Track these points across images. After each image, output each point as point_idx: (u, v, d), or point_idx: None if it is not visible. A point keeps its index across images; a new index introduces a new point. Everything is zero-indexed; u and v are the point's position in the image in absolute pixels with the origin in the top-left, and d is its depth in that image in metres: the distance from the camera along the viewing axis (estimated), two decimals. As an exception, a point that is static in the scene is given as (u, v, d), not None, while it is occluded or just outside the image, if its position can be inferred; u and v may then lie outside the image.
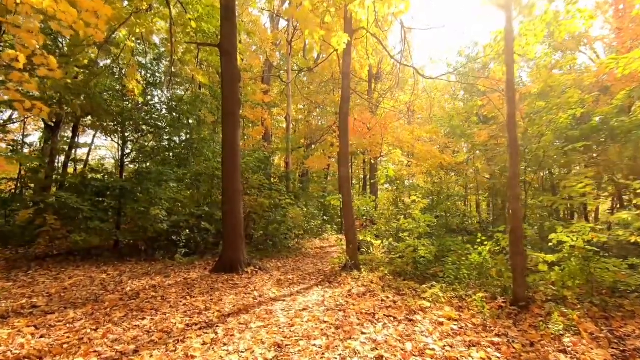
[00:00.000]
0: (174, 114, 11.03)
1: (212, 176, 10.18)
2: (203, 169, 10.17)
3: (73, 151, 12.27)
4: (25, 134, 13.71)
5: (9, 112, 10.66)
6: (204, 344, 3.30)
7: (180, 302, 4.73)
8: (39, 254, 7.32)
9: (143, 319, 4.00)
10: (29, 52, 3.32)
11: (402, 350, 3.19)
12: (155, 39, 10.89)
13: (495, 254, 5.77)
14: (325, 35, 5.94)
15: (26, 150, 11.55)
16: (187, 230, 8.55)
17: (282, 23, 17.60)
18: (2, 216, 9.31)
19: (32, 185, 10.14)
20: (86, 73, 8.70)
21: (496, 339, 3.42)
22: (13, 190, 10.44)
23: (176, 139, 11.54)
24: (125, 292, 5.15)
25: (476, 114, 14.81)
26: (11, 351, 3.05)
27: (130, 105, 9.41)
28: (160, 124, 10.19)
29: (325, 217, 15.98)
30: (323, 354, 3.10)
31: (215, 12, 8.66)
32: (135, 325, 3.77)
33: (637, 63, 5.33)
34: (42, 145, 10.94)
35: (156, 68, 10.76)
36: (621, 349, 3.16)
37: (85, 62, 7.94)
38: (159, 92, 11.97)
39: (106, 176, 8.96)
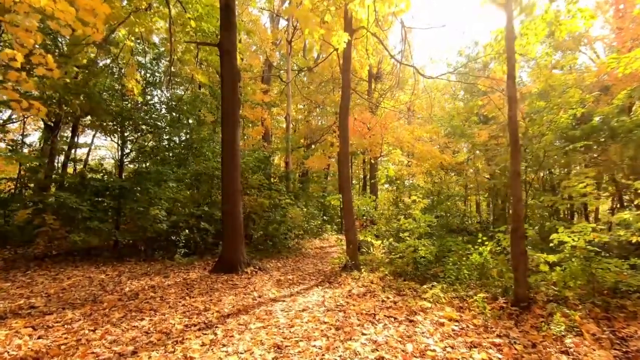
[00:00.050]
0: (174, 114, 11.01)
1: (212, 176, 10.16)
2: (202, 169, 10.14)
3: (72, 151, 12.23)
4: (24, 133, 13.68)
5: (9, 112, 10.63)
6: (203, 345, 3.28)
7: (180, 302, 4.71)
8: (37, 254, 7.29)
9: (142, 319, 3.98)
10: (26, 51, 3.29)
11: (403, 351, 3.16)
12: (155, 39, 10.86)
13: (496, 254, 5.75)
14: (325, 34, 5.92)
15: (25, 150, 11.51)
16: (187, 230, 8.52)
17: (282, 23, 17.60)
18: (1, 216, 9.27)
19: (31, 185, 10.11)
20: (85, 72, 8.67)
21: (497, 340, 3.40)
22: (12, 190, 10.40)
23: (176, 138, 11.52)
24: (124, 293, 5.12)
25: (476, 113, 14.80)
26: (8, 352, 3.02)
27: (129, 104, 9.38)
28: (159, 123, 10.17)
29: (325, 217, 15.96)
30: (323, 355, 3.08)
31: (215, 11, 8.62)
32: (134, 326, 3.75)
33: (638, 62, 5.32)
34: (42, 145, 10.90)
35: (155, 67, 10.75)
36: (624, 350, 3.13)
37: (85, 61, 7.90)
38: (159, 91, 11.96)
39: (105, 176, 8.93)
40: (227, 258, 6.83)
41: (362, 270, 6.70)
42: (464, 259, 6.03)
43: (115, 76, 9.46)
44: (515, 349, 3.21)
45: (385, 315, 4.16)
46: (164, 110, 10.92)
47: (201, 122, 12.05)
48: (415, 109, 19.94)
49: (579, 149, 8.06)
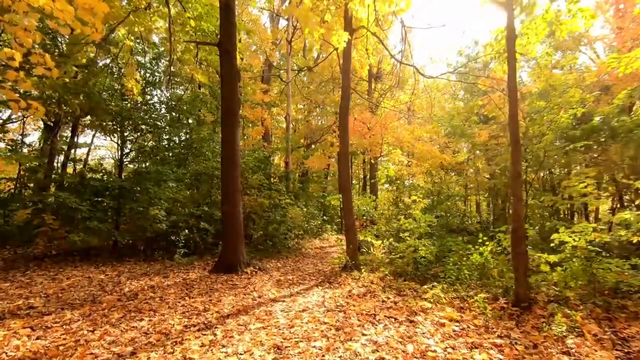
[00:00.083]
0: (173, 114, 10.99)
1: (212, 176, 10.14)
2: (202, 169, 10.13)
3: (72, 151, 12.20)
4: (24, 133, 13.66)
5: (8, 111, 10.61)
6: (203, 345, 3.26)
7: (179, 302, 4.69)
8: (37, 254, 7.27)
9: (141, 320, 3.96)
10: (24, 51, 3.27)
11: (404, 352, 3.15)
12: (154, 38, 10.84)
13: (497, 254, 5.74)
14: (325, 33, 5.89)
15: (25, 150, 11.48)
16: (186, 231, 8.50)
17: (282, 22, 17.59)
18: (0, 216, 9.25)
19: (31, 185, 10.09)
20: (85, 72, 8.65)
21: (498, 341, 3.38)
22: (12, 190, 10.38)
23: (175, 138, 11.50)
24: (124, 293, 5.10)
25: (476, 113, 14.79)
26: (6, 353, 3.01)
27: (129, 104, 9.36)
28: (159, 123, 10.14)
29: (325, 217, 15.95)
30: (323, 355, 3.06)
31: (215, 11, 8.61)
32: (133, 327, 3.73)
33: (639, 62, 5.31)
34: (41, 144, 10.88)
35: (155, 67, 10.72)
36: (625, 350, 3.12)
37: (84, 61, 7.89)
38: (158, 91, 11.93)
39: (105, 176, 8.91)
40: (227, 258, 6.81)
41: (362, 270, 6.68)
42: (465, 259, 6.02)
43: (115, 76, 9.43)
44: (517, 349, 3.20)
45: (385, 316, 4.14)
46: (163, 110, 10.90)
47: (201, 122, 12.04)
48: (415, 108, 19.93)
49: (580, 148, 8.05)
